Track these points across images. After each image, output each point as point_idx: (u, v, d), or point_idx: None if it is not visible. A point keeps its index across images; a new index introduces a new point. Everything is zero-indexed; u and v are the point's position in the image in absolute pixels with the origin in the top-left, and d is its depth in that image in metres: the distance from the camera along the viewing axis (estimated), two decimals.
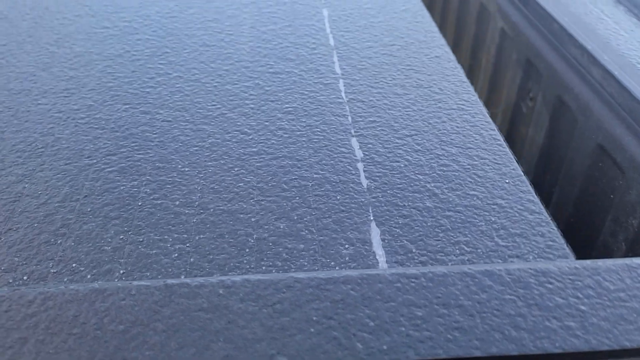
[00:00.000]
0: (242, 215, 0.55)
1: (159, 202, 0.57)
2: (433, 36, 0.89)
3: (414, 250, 0.52)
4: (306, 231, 0.54)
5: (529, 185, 0.60)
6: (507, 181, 0.60)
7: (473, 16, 1.21)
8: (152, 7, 0.95)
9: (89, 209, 0.56)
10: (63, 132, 0.66)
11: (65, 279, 0.48)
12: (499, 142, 0.66)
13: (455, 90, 0.75)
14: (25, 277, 0.48)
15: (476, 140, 0.66)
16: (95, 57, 0.81)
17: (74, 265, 0.50)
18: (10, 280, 0.48)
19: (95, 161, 0.62)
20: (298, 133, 0.67)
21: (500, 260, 0.51)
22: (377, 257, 0.52)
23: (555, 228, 0.55)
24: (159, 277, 0.49)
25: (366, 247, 0.53)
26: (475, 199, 0.58)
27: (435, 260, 0.51)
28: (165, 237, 0.53)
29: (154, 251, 0.51)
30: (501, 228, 0.55)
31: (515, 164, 0.63)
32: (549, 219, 0.56)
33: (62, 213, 0.55)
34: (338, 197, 0.58)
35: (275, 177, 0.60)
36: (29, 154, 0.62)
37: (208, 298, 0.36)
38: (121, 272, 0.49)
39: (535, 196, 0.59)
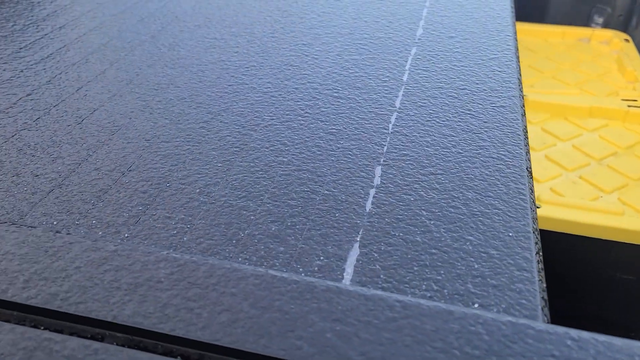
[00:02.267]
0: (244, 212, 0.61)
1: (184, 186, 0.65)
2: (509, 86, 0.88)
3: (381, 276, 0.54)
4: (292, 237, 0.58)
5: (533, 244, 0.58)
6: (510, 234, 0.59)
7: None
8: (258, 26, 1.06)
9: (127, 181, 0.65)
10: (138, 116, 0.78)
11: (100, 232, 0.58)
12: (522, 197, 0.65)
13: (504, 140, 0.75)
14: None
15: (499, 190, 0.65)
16: (194, 62, 0.93)
17: (105, 221, 0.59)
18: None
19: (149, 144, 0.72)
20: (330, 153, 0.71)
21: (461, 304, 0.51)
22: (344, 274, 0.54)
23: (538, 289, 0.53)
24: (153, 245, 0.56)
25: (339, 262, 0.55)
26: (468, 244, 0.58)
27: (397, 290, 0.52)
28: (174, 215, 0.61)
29: (159, 224, 0.59)
30: (480, 276, 0.54)
31: (529, 220, 0.61)
32: (536, 279, 0.54)
33: (107, 180, 0.65)
34: (337, 215, 0.61)
35: (289, 186, 0.65)
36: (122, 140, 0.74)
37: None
38: (126, 235, 0.58)
39: (534, 255, 0.57)
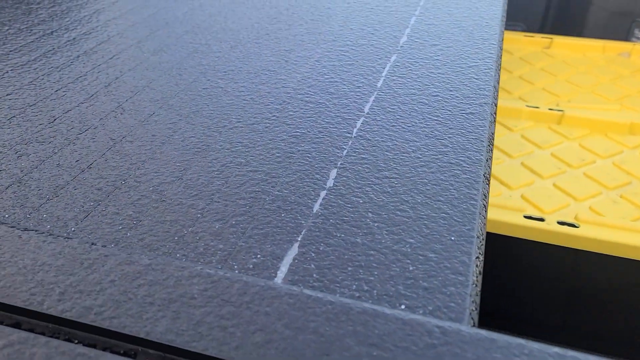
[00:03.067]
0: (192, 210, 0.62)
1: (138, 184, 0.66)
2: (483, 94, 0.87)
3: (314, 275, 0.54)
4: (233, 236, 0.59)
5: (475, 248, 0.58)
6: (452, 238, 0.59)
7: None
8: (244, 32, 1.08)
9: (84, 178, 0.67)
10: (109, 117, 0.80)
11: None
12: (472, 202, 0.64)
13: (466, 146, 0.74)
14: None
15: (450, 195, 0.65)
16: (174, 66, 0.95)
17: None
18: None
19: (114, 144, 0.74)
20: (289, 156, 0.72)
21: (387, 305, 0.51)
22: (278, 272, 0.55)
23: (469, 292, 0.52)
24: (99, 230, 0.58)
25: (274, 261, 0.56)
26: (407, 246, 0.58)
27: (327, 289, 0.53)
28: (122, 211, 0.62)
29: (106, 220, 0.61)
30: (412, 278, 0.54)
31: (475, 225, 0.61)
32: (470, 282, 0.54)
33: (67, 177, 0.67)
34: (282, 215, 0.62)
35: (241, 187, 0.66)
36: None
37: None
38: (72, 229, 0.60)
39: (473, 259, 0.56)
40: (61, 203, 0.63)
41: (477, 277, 0.55)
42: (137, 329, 0.43)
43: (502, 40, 1.11)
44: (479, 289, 0.54)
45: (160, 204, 0.63)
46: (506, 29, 1.96)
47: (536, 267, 1.24)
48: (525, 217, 1.16)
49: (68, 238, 0.52)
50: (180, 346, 0.42)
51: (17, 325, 0.45)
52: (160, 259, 0.49)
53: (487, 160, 0.73)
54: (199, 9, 1.20)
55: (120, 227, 0.60)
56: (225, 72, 0.94)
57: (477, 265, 0.57)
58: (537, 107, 1.51)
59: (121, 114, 0.81)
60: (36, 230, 0.52)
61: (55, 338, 0.44)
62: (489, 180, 0.70)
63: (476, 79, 0.92)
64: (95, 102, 0.84)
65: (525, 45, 1.87)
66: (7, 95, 0.85)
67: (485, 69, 0.96)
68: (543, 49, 1.85)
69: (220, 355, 0.42)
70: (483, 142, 0.76)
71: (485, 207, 0.66)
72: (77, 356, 0.42)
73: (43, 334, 0.44)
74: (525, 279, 1.26)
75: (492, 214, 1.15)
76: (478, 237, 0.60)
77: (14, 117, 0.80)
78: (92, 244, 0.51)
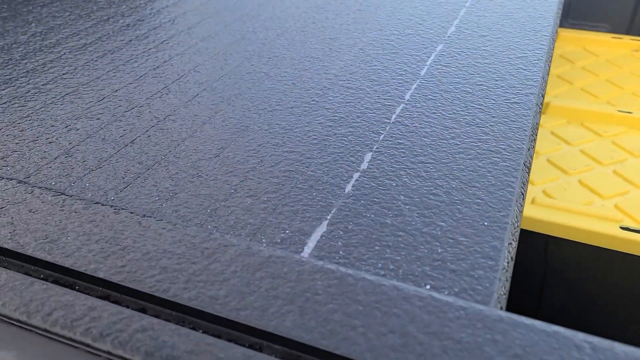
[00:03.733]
0: (227, 186, 0.64)
1: (177, 160, 0.68)
2: (529, 84, 0.85)
3: (340, 252, 0.54)
4: (264, 212, 0.60)
5: (508, 234, 0.56)
6: (485, 223, 0.58)
7: None
8: (291, 20, 1.09)
9: (127, 152, 0.70)
10: (155, 98, 0.83)
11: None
12: (509, 189, 0.63)
13: (507, 135, 0.72)
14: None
15: (487, 182, 0.64)
16: (221, 52, 0.97)
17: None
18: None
19: (158, 122, 0.76)
20: (325, 138, 0.72)
21: (411, 284, 0.50)
22: (305, 248, 0.55)
23: (498, 277, 0.51)
24: (136, 200, 0.60)
25: (302, 237, 0.56)
26: (438, 229, 0.57)
27: (352, 266, 0.53)
28: (159, 184, 0.64)
29: (144, 191, 0.63)
30: (440, 260, 0.53)
31: (510, 212, 0.59)
32: (500, 267, 0.52)
33: (111, 150, 0.70)
34: (314, 194, 0.62)
35: (276, 165, 0.67)
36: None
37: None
38: (112, 198, 0.62)
39: (505, 245, 0.55)
40: (103, 174, 0.66)
41: (508, 263, 0.54)
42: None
43: (556, 33, 1.08)
44: (509, 274, 0.53)
45: (197, 179, 0.65)
46: (589, 29, 1.89)
47: (633, 282, 1.14)
48: (622, 228, 1.08)
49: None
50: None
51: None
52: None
53: (528, 150, 0.71)
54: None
55: (157, 199, 0.62)
56: (269, 58, 0.95)
57: (509, 252, 0.55)
58: (630, 113, 1.43)
59: (166, 94, 0.84)
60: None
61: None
62: (529, 169, 0.68)
63: (524, 69, 0.90)
64: (142, 83, 0.87)
65: (612, 47, 1.79)
66: (62, 74, 0.90)
67: (535, 60, 0.93)
68: (632, 51, 1.77)
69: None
70: (526, 130, 0.73)
71: (524, 195, 0.64)
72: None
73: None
74: (620, 294, 1.15)
75: (583, 223, 1.07)
76: (512, 224, 0.58)
77: (67, 94, 0.84)
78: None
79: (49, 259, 0.47)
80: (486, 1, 1.18)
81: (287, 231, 0.57)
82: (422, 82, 0.86)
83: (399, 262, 0.53)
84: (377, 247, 0.55)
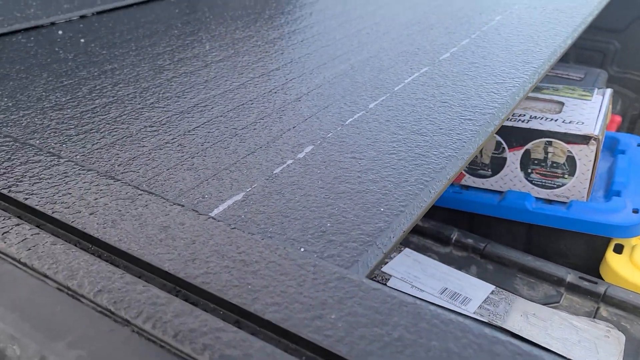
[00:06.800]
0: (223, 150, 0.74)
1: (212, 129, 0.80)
2: (493, 105, 0.90)
3: (242, 216, 0.62)
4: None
5: (397, 220, 0.62)
6: (381, 209, 0.64)
7: None
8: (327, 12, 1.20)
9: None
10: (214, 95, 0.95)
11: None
12: (419, 186, 0.68)
13: (445, 144, 0.78)
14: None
15: (402, 178, 0.70)
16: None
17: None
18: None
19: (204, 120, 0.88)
20: (278, 136, 0.81)
21: (287, 245, 0.57)
22: (215, 210, 0.64)
23: (371, 250, 0.57)
24: (139, 169, 0.71)
25: (217, 202, 0.65)
26: (336, 209, 0.64)
27: (244, 227, 0.60)
28: (199, 158, 0.75)
29: (172, 163, 0.74)
30: (323, 231, 0.60)
31: (411, 202, 0.65)
32: (377, 243, 0.58)
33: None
34: (245, 172, 0.71)
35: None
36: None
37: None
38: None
39: (391, 228, 0.61)
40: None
41: (386, 245, 0.59)
42: None
43: (553, 62, 1.11)
44: (382, 253, 0.59)
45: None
46: None
47: None
48: None
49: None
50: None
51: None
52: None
53: (458, 159, 0.76)
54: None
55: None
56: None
57: (393, 236, 0.61)
58: None
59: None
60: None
61: None
62: (452, 177, 0.73)
63: (495, 93, 0.95)
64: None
65: None
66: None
67: (510, 86, 0.97)
68: None
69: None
70: (464, 142, 0.78)
71: (432, 196, 0.69)
72: None
73: None
74: None
75: None
76: (409, 214, 0.64)
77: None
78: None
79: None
80: (492, 34, 1.24)
81: (205, 196, 0.66)
82: (392, 96, 0.93)
83: (287, 230, 0.60)
84: (274, 216, 0.62)
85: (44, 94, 0.93)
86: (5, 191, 0.60)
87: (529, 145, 1.28)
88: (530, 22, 1.32)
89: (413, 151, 0.76)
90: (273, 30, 1.27)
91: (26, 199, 0.59)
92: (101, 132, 0.81)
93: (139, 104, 0.90)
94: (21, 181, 0.62)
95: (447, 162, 0.74)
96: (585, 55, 1.91)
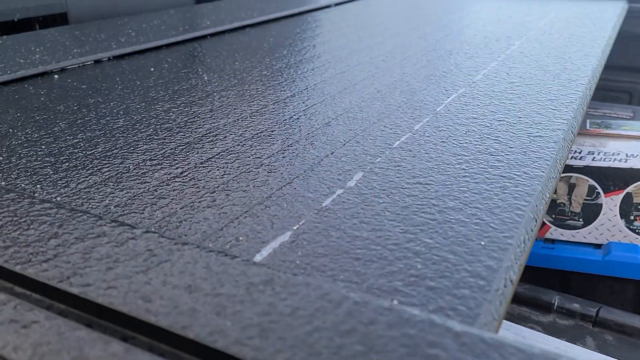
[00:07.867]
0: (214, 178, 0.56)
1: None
2: (557, 121, 0.76)
3: (297, 262, 0.45)
4: (213, 217, 0.51)
5: (510, 256, 0.45)
6: (482, 243, 0.47)
7: None
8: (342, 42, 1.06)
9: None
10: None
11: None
12: (518, 212, 0.52)
13: (524, 163, 0.63)
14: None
15: (491, 204, 0.54)
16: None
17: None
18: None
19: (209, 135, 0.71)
20: (319, 160, 0.65)
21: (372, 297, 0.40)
22: (257, 255, 0.46)
23: (489, 298, 0.40)
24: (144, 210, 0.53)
25: (259, 245, 0.47)
26: (422, 245, 0.47)
27: (307, 275, 0.43)
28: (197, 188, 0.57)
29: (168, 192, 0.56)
30: (418, 276, 0.43)
31: (517, 233, 0.49)
32: (493, 289, 0.41)
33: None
34: (285, 205, 0.54)
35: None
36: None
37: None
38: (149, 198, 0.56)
39: (503, 267, 0.44)
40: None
41: (505, 286, 0.43)
42: None
43: (595, 83, 0.99)
44: (504, 299, 0.42)
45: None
46: None
47: None
48: None
49: None
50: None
51: None
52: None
53: (549, 179, 0.60)
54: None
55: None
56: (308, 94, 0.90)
57: (508, 275, 0.44)
58: None
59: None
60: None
61: None
62: (548, 199, 0.58)
63: (553, 109, 0.81)
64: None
65: None
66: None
67: (567, 102, 0.84)
68: None
69: None
70: (548, 160, 0.63)
71: (537, 223, 0.53)
72: None
73: None
74: None
75: None
76: (517, 246, 0.47)
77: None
78: None
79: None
80: (519, 56, 1.12)
81: (240, 238, 0.48)
82: (436, 117, 0.78)
83: (365, 275, 0.43)
84: (342, 259, 0.45)
85: (10, 130, 0.75)
86: None
87: (630, 188, 1.03)
88: (553, 45, 1.22)
89: (489, 172, 0.61)
90: (277, 60, 1.13)
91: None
92: (88, 169, 0.63)
93: (133, 136, 0.73)
94: None
95: (538, 183, 0.58)
96: (612, 96, 1.81)
